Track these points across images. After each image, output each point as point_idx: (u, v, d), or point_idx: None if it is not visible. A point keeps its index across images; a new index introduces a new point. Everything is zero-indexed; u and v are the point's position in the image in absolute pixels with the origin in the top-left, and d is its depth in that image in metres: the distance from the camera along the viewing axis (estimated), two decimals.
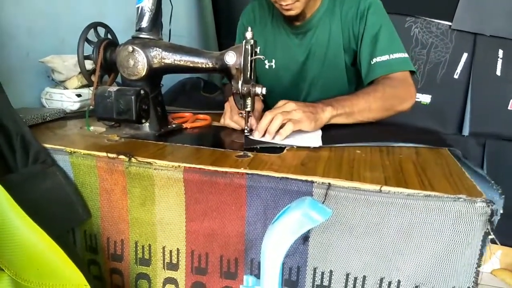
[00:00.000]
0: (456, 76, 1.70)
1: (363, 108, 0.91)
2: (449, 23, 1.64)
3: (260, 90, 0.74)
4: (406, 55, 1.02)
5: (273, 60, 1.21)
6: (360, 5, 1.07)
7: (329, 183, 0.58)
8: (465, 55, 1.67)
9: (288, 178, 0.60)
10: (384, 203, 0.56)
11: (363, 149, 0.76)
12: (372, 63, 1.03)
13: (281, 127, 0.78)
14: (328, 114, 0.85)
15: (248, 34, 0.74)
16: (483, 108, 1.68)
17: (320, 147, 0.75)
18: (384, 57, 1.01)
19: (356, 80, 1.22)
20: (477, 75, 1.67)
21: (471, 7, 1.57)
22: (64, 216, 0.69)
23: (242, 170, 0.62)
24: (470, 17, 1.59)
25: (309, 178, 0.59)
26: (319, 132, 0.84)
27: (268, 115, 0.79)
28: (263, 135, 0.79)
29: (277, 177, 0.60)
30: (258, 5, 1.23)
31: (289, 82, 1.23)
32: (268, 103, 0.85)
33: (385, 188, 0.56)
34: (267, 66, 1.21)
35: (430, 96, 1.75)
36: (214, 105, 1.26)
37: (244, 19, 1.28)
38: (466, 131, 1.71)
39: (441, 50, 1.68)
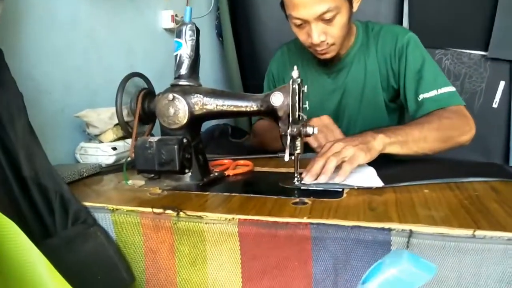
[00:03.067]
0: (495, 105, 1.62)
1: (418, 138, 0.82)
2: (482, 53, 1.59)
3: (311, 130, 0.69)
4: (453, 88, 0.96)
5: (307, 102, 1.16)
6: (397, 42, 1.02)
7: (410, 230, 0.50)
8: (502, 83, 1.60)
9: (360, 226, 0.53)
10: (479, 250, 0.48)
11: (430, 188, 0.68)
12: (419, 99, 0.96)
13: (337, 168, 0.72)
14: (380, 141, 0.77)
15: (295, 73, 0.70)
16: None
17: (382, 187, 0.68)
18: (432, 93, 0.95)
19: (398, 116, 1.16)
20: None
21: (506, 34, 1.53)
22: (106, 281, 0.63)
23: (305, 220, 0.55)
24: (506, 45, 1.54)
25: (386, 225, 0.52)
26: (373, 171, 0.77)
27: (320, 160, 0.73)
28: (316, 179, 0.72)
29: (348, 226, 0.53)
30: (287, 49, 1.20)
31: None
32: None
33: (479, 233, 0.48)
34: None
35: None
36: (243, 150, 1.21)
37: (273, 66, 1.24)
38: None
39: (476, 80, 1.62)
